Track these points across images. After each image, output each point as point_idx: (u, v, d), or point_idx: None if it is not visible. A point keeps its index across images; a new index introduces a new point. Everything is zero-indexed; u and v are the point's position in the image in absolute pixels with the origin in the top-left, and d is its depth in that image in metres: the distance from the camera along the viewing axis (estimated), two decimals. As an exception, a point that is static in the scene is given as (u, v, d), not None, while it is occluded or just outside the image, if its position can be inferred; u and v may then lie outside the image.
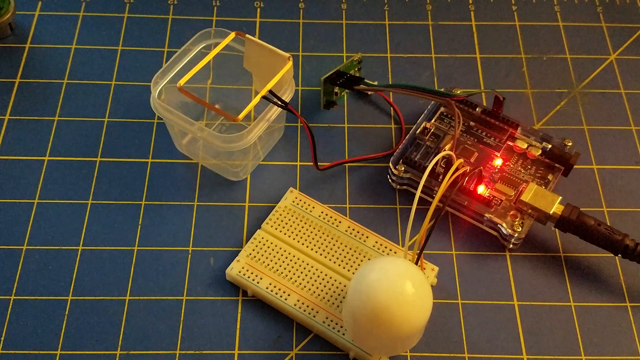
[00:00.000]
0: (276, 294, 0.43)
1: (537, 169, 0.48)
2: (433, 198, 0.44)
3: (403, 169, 0.47)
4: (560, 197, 0.45)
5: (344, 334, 0.41)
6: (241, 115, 0.42)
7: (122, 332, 0.42)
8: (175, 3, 0.57)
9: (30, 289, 0.44)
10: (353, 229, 0.45)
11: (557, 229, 0.46)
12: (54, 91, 0.52)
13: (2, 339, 0.42)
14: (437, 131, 0.49)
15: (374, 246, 0.45)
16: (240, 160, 0.48)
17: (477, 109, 0.49)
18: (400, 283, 0.38)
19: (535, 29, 0.57)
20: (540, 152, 0.47)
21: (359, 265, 0.44)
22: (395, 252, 0.44)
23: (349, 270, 0.44)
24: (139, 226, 0.46)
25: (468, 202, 0.45)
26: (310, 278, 0.43)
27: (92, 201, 0.47)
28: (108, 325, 0.42)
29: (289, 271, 0.43)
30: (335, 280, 0.43)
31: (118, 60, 0.54)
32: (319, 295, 0.43)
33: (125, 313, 0.43)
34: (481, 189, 0.46)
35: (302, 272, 0.43)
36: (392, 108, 0.52)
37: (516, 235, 0.44)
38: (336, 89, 0.51)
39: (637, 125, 0.52)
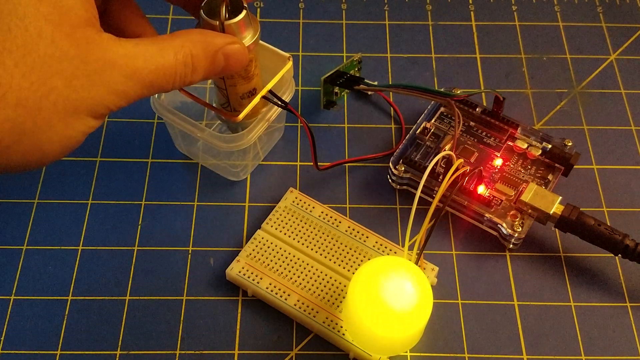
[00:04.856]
0: (276, 294, 0.43)
1: (537, 169, 0.48)
2: (433, 198, 0.44)
3: (403, 169, 0.47)
4: (560, 197, 0.45)
5: (344, 334, 0.41)
6: (241, 115, 0.42)
7: (122, 332, 0.42)
8: (175, 3, 0.57)
9: (30, 289, 0.44)
10: (353, 229, 0.45)
11: (557, 229, 0.46)
12: (54, 91, 0.52)
13: (2, 339, 0.42)
14: (437, 131, 0.49)
15: (374, 246, 0.45)
16: (240, 160, 0.48)
17: (477, 109, 0.49)
18: (400, 283, 0.38)
19: (535, 29, 0.57)
20: (540, 152, 0.47)
21: (359, 265, 0.44)
22: (395, 252, 0.44)
23: (349, 271, 0.44)
24: (139, 226, 0.46)
25: (468, 202, 0.45)
26: (310, 278, 0.43)
27: (92, 201, 0.47)
28: (108, 325, 0.42)
29: (289, 271, 0.43)
30: (335, 280, 0.43)
31: (118, 60, 0.53)
32: (319, 295, 0.43)
33: (125, 313, 0.43)
34: (481, 189, 0.46)
35: (302, 272, 0.43)
36: (392, 108, 0.52)
37: (516, 235, 0.44)
38: (336, 89, 0.51)
39: (637, 125, 0.52)
